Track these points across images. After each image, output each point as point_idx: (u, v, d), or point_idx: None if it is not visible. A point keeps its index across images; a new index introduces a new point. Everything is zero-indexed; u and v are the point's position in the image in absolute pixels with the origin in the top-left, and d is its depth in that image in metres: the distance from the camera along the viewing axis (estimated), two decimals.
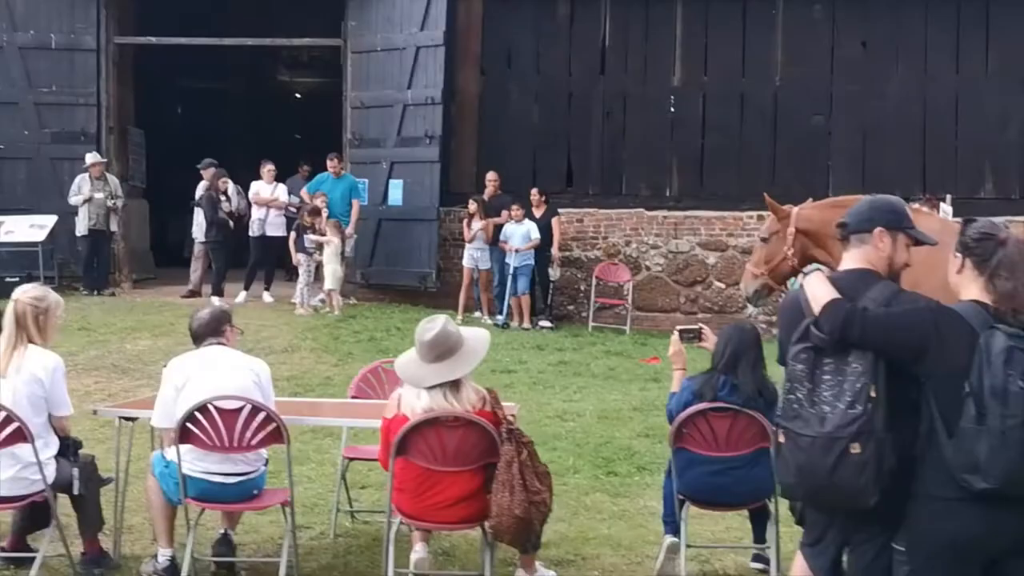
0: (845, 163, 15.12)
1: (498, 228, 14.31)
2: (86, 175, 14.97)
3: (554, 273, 14.49)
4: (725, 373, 5.05)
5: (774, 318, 14.80)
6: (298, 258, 13.78)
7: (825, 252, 8.34)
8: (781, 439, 3.48)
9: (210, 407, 4.77)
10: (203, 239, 14.91)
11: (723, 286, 15.36)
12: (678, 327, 5.56)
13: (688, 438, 5.04)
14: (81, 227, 14.95)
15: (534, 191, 14.60)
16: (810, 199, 8.86)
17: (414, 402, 4.63)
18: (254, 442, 4.83)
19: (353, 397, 6.31)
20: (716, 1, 15.22)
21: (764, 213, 15.05)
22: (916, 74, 14.92)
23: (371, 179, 15.27)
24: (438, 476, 4.64)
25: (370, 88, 15.45)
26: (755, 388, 5.04)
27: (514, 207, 13.86)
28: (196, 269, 15.07)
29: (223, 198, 14.21)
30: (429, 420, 4.59)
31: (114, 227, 15.21)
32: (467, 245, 14.22)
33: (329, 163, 14.46)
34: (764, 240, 8.65)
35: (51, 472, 4.99)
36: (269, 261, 14.86)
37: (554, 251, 14.45)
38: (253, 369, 5.05)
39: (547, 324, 14.21)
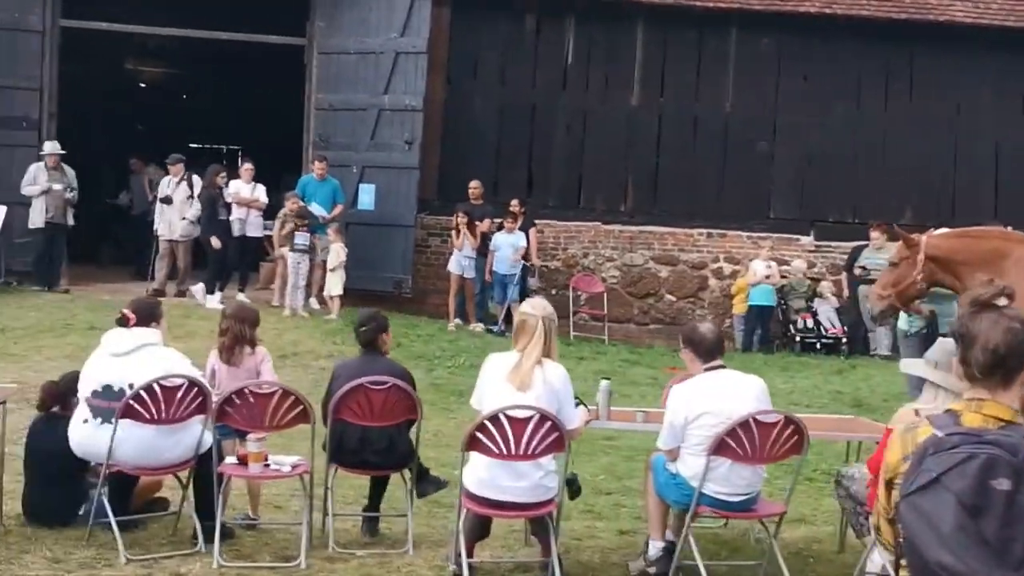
0: (786, 187, 16.52)
1: (482, 237, 14.72)
2: (41, 164, 14.32)
3: (534, 282, 15.03)
4: None
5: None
6: (287, 258, 13.67)
7: (952, 277, 9.46)
8: None
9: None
10: (171, 236, 14.49)
11: (674, 299, 16.39)
12: None
13: None
14: (37, 219, 14.32)
15: (514, 202, 15.08)
16: (933, 229, 9.91)
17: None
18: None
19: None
20: (674, 28, 16.24)
21: (713, 230, 16.33)
22: (850, 109, 16.48)
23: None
24: None
25: (339, 91, 15.42)
26: None
27: (508, 219, 14.38)
28: (161, 268, 14.67)
29: (223, 197, 13.86)
30: None
31: (71, 220, 14.47)
32: (455, 252, 14.57)
33: (317, 164, 14.39)
34: (893, 264, 9.61)
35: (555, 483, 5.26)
36: (247, 262, 14.62)
37: (533, 261, 14.96)
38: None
39: None
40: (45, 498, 6.12)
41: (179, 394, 5.67)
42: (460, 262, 14.66)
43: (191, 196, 14.65)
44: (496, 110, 16.31)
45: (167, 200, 14.67)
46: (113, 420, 5.64)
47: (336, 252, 13.87)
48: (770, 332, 15.78)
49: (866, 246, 15.17)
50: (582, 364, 12.89)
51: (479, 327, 14.64)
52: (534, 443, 5.16)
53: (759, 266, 15.58)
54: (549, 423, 5.14)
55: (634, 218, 16.54)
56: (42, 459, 6.17)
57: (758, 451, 5.26)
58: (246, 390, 5.69)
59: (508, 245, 14.65)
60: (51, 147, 14.42)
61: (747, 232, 16.51)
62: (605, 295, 15.92)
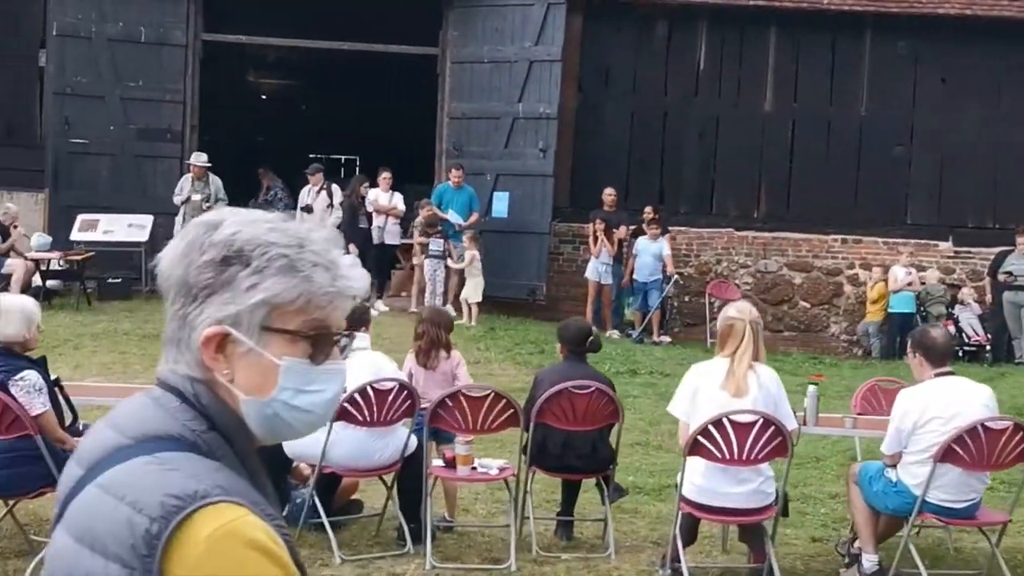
0: (923, 192, 16.24)
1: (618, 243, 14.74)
2: (188, 175, 14.61)
3: (669, 289, 14.97)
4: None
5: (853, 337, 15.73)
6: (424, 265, 13.86)
7: None
8: None
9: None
10: None
11: (808, 306, 16.19)
12: None
13: None
14: (176, 229, 14.50)
15: (648, 208, 15.05)
16: None
17: None
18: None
19: (859, 413, 6.65)
20: (807, 32, 16.07)
21: (848, 236, 16.06)
22: (989, 111, 16.12)
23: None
24: None
25: (472, 100, 15.54)
26: None
27: (652, 226, 14.35)
28: None
29: (365, 206, 14.09)
30: None
31: None
32: (592, 259, 14.59)
33: (453, 172, 14.52)
34: None
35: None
36: (385, 270, 14.80)
37: (668, 268, 14.90)
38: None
39: (666, 339, 14.67)
40: None
41: (390, 397, 5.77)
42: (597, 269, 14.67)
43: (331, 205, 14.88)
44: (628, 117, 16.30)
45: (308, 209, 14.91)
46: (327, 422, 5.75)
47: (472, 259, 13.99)
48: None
49: (1011, 251, 14.81)
50: None
51: (615, 334, 14.64)
52: (757, 448, 5.14)
53: (900, 272, 15.31)
54: (773, 428, 5.12)
55: (767, 224, 16.39)
56: None
57: (986, 458, 5.17)
58: (459, 393, 5.77)
59: (650, 252, 14.65)
60: (195, 158, 14.78)
61: (883, 238, 16.25)
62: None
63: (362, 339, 6.01)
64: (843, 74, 16.29)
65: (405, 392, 5.81)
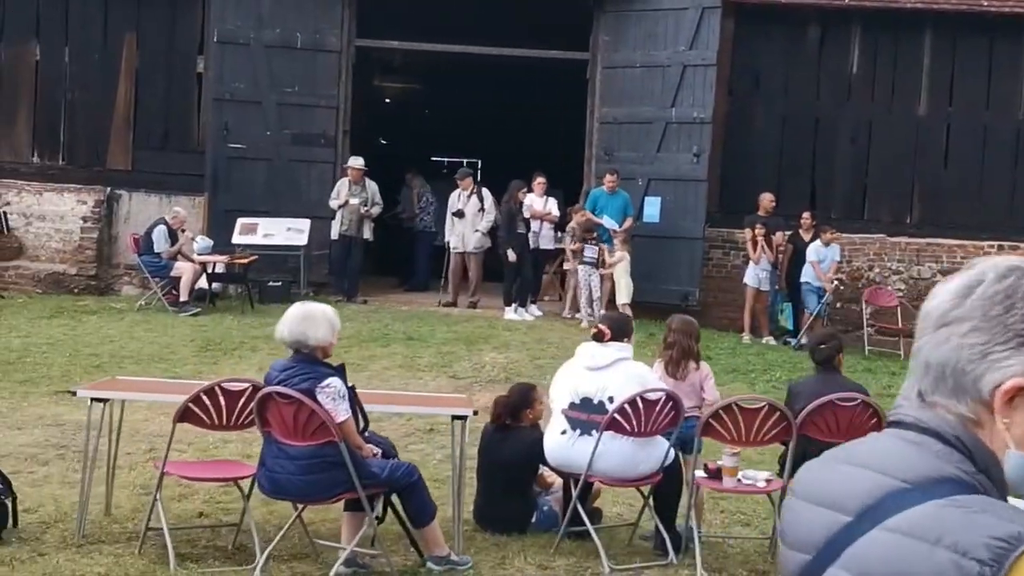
0: None
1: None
2: (345, 180, 14.84)
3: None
4: None
5: None
6: (579, 271, 13.89)
7: None
8: None
9: None
10: (462, 248, 14.84)
11: None
12: None
13: None
14: (333, 232, 14.76)
15: (806, 214, 14.91)
16: None
17: None
18: None
19: None
20: (964, 35, 15.78)
21: (1004, 243, 15.70)
22: None
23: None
24: None
25: (623, 104, 15.51)
26: None
27: (830, 231, 14.20)
28: (453, 279, 15.03)
29: (522, 212, 14.16)
30: None
31: (367, 234, 14.95)
32: (751, 265, 14.48)
33: (608, 178, 14.51)
34: None
35: None
36: (539, 275, 14.85)
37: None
38: None
39: None
40: (502, 508, 6.31)
41: (657, 407, 5.77)
42: (757, 275, 14.57)
43: (482, 209, 14.99)
44: (778, 121, 16.16)
45: (459, 214, 15.03)
46: (592, 432, 5.78)
47: (620, 259, 14.02)
48: None
49: None
50: (897, 379, 12.65)
51: (771, 340, 14.52)
52: None
53: None
54: None
55: (921, 230, 16.12)
56: (496, 470, 6.37)
57: None
58: (733, 405, 5.75)
59: (829, 258, 14.61)
60: (353, 162, 14.98)
61: None
62: (899, 309, 15.52)
63: (626, 349, 6.03)
64: (1001, 78, 15.96)
65: (671, 403, 5.81)
